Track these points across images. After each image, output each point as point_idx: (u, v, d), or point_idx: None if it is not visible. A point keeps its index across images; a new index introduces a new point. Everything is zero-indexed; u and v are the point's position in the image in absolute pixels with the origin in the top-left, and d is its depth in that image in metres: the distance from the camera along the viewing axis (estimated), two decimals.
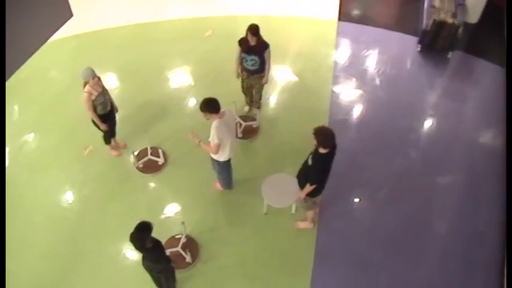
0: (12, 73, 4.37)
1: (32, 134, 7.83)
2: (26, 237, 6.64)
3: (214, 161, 6.29)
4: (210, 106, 5.61)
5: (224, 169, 6.48)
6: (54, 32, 4.70)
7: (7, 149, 7.61)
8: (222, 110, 5.69)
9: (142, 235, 4.84)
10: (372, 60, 8.91)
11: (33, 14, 4.26)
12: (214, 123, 5.68)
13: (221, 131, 5.70)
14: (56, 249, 6.51)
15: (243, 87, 7.54)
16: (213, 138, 5.74)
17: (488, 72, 8.75)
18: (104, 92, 6.55)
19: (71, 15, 4.80)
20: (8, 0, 3.84)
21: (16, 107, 8.23)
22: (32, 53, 4.51)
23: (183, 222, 6.21)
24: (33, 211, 6.91)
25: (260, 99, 7.68)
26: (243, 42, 6.86)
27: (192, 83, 8.59)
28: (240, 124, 7.61)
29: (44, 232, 6.68)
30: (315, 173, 5.50)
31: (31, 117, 8.10)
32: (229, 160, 6.29)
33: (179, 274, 5.99)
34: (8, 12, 3.93)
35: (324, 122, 7.68)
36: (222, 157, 6.13)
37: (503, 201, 6.69)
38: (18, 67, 4.42)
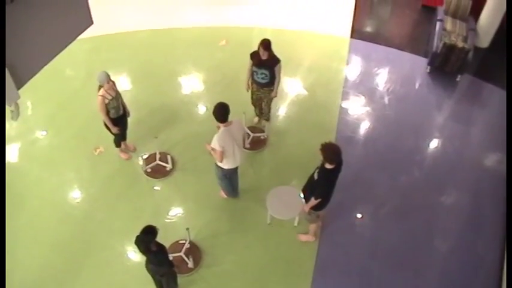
0: (33, 75, 4.55)
1: (44, 132, 7.99)
2: (34, 229, 6.77)
3: (218, 167, 6.37)
4: (217, 113, 5.77)
5: (226, 177, 6.56)
6: (75, 37, 4.88)
7: (19, 144, 7.78)
8: (229, 120, 5.81)
9: (147, 238, 4.96)
10: (381, 79, 9.02)
11: (56, 20, 4.43)
12: (219, 131, 5.83)
13: (222, 139, 5.82)
14: (62, 244, 6.63)
15: (252, 99, 7.65)
16: (214, 145, 5.86)
17: (496, 97, 8.83)
18: (117, 96, 6.68)
19: (92, 22, 4.97)
20: (33, 7, 4.00)
21: (30, 104, 8.38)
22: (53, 57, 4.69)
23: (187, 228, 6.32)
24: (42, 206, 7.04)
25: (269, 111, 7.79)
26: (254, 55, 6.98)
27: (204, 91, 8.73)
28: (249, 135, 7.72)
29: (51, 227, 6.81)
30: (321, 188, 5.60)
31: (44, 115, 8.26)
32: (231, 170, 6.36)
33: (181, 279, 6.11)
34: (33, 17, 4.09)
35: (332, 137, 7.79)
36: (226, 165, 6.24)
37: (504, 226, 6.76)
38: (39, 70, 4.59)
